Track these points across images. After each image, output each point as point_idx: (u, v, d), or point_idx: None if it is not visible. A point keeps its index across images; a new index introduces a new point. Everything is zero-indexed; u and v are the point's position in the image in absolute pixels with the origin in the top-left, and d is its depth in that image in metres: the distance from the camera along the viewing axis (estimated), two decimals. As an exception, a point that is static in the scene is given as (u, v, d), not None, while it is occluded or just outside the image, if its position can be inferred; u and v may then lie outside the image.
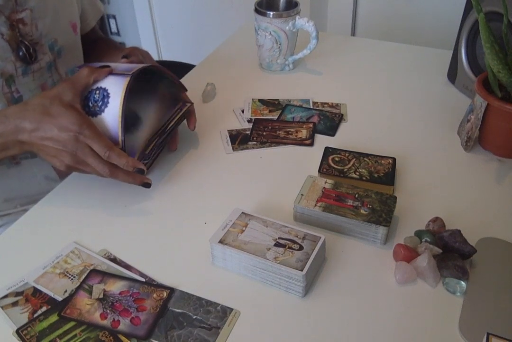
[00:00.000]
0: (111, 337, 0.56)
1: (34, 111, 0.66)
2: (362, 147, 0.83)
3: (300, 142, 0.87)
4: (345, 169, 0.76)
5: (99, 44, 1.02)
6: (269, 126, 0.90)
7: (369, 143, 0.85)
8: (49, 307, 0.60)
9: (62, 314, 0.59)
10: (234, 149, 0.86)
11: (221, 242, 0.62)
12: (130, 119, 0.73)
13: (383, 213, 0.66)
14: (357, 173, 0.75)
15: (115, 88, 0.69)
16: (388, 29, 1.85)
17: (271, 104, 0.98)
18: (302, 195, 0.70)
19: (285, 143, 0.87)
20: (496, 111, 0.78)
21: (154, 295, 0.61)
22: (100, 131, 0.67)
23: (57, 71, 0.87)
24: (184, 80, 1.06)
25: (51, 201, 0.76)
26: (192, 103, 0.85)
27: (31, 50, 0.80)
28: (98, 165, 0.67)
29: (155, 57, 2.54)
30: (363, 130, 0.90)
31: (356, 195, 0.69)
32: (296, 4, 1.03)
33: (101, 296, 0.61)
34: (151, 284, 0.62)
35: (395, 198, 0.69)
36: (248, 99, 0.99)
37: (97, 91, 0.70)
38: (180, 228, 0.71)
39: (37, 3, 0.80)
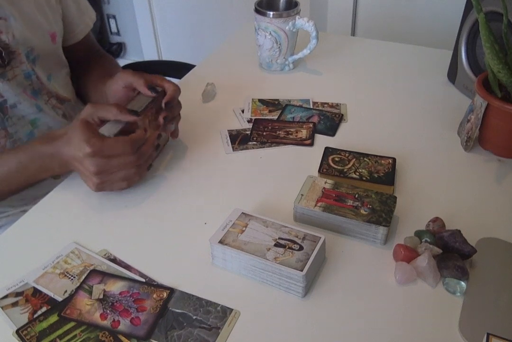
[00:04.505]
0: (111, 338, 0.56)
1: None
2: (362, 147, 0.83)
3: (300, 142, 0.87)
4: (345, 170, 0.76)
5: (96, 68, 1.01)
6: (269, 126, 0.90)
7: (369, 143, 0.85)
8: (49, 307, 0.60)
9: (62, 314, 0.59)
10: (234, 149, 0.86)
11: (221, 242, 0.62)
12: None
13: (383, 213, 0.66)
14: (357, 173, 0.75)
15: None
16: (388, 29, 1.86)
17: (271, 104, 0.98)
18: (302, 195, 0.70)
19: (285, 143, 0.87)
20: (496, 111, 0.78)
21: (154, 295, 0.61)
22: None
23: (39, 80, 0.87)
24: (184, 80, 1.07)
25: (51, 201, 0.76)
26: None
27: (3, 54, 0.79)
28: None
29: (155, 57, 2.54)
30: (363, 130, 0.90)
31: (356, 195, 0.69)
32: (296, 4, 1.03)
33: (101, 296, 0.61)
34: (151, 284, 0.62)
35: (395, 198, 0.69)
36: (248, 99, 0.99)
37: None
38: (180, 228, 0.71)
39: (12, 13, 0.80)
